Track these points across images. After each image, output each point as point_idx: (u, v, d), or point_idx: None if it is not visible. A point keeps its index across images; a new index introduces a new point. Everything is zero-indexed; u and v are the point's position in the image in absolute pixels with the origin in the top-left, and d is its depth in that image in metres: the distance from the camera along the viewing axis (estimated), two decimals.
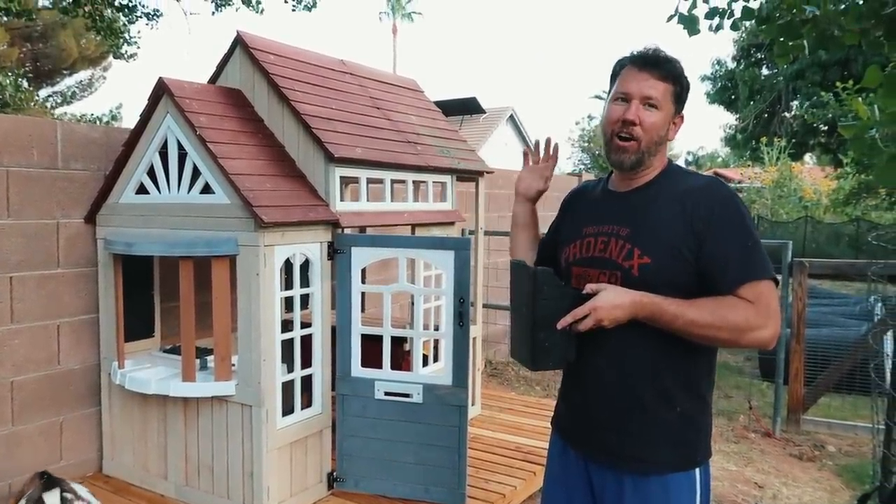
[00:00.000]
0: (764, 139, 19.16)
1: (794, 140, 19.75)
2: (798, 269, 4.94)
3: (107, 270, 3.30)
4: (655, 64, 1.72)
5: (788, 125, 20.84)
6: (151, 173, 3.16)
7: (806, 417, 5.00)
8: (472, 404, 4.35)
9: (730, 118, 23.62)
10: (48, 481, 2.45)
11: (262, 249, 2.80)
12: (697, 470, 1.75)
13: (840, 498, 3.86)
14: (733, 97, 22.14)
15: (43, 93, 17.39)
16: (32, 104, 13.65)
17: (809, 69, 18.58)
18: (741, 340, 1.64)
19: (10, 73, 9.46)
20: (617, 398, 1.75)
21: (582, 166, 32.16)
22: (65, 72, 17.88)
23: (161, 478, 3.22)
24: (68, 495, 2.39)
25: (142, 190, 3.20)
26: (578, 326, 1.64)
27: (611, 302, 1.62)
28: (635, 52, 1.77)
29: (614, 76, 1.80)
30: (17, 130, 3.10)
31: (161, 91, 3.04)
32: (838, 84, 11.91)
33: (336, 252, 3.14)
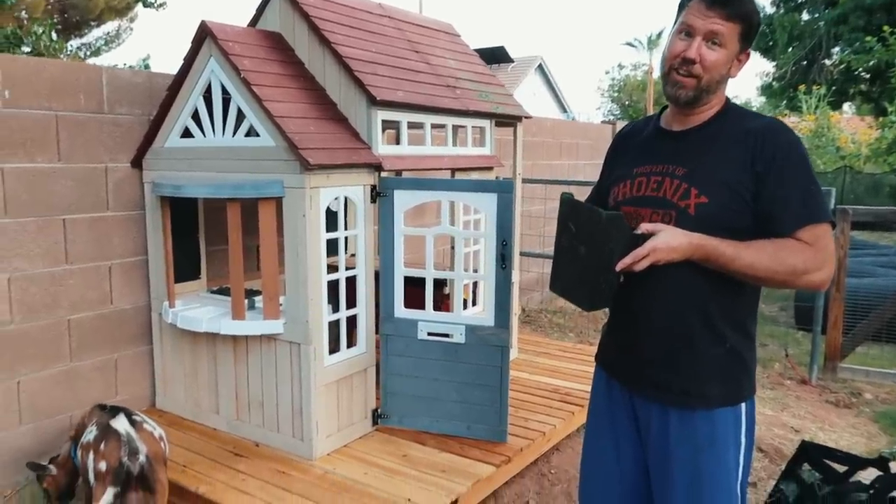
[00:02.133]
0: (802, 87, 18.56)
1: (833, 88, 19.10)
2: (841, 217, 4.86)
3: (154, 213, 3.37)
4: (725, 2, 1.66)
5: (828, 73, 20.13)
6: (196, 117, 3.19)
7: (843, 365, 4.99)
8: (510, 347, 4.41)
9: (767, 66, 22.89)
10: (113, 408, 2.57)
11: (308, 191, 2.83)
12: (743, 405, 1.78)
13: (877, 443, 3.88)
14: (771, 43, 21.38)
15: (71, 44, 17.43)
16: (63, 55, 13.72)
17: (853, 13, 17.82)
18: (796, 282, 1.66)
19: (43, 23, 9.48)
20: (666, 335, 1.77)
21: (611, 116, 31.57)
22: (92, 23, 17.87)
23: (213, 412, 3.35)
24: (137, 418, 2.50)
25: (186, 134, 3.24)
26: (634, 267, 1.65)
27: (668, 244, 1.63)
28: None
29: (682, 6, 1.75)
30: (65, 75, 3.13)
31: (204, 34, 3.04)
32: (885, 28, 11.43)
33: (379, 195, 3.16)
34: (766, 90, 23.96)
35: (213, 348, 3.29)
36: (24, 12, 13.61)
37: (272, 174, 2.91)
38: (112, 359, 3.43)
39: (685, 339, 1.76)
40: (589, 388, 2.09)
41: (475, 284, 3.86)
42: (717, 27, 1.66)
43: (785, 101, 22.06)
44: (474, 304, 3.86)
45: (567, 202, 1.81)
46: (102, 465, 2.31)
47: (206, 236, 3.64)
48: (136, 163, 3.41)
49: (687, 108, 1.78)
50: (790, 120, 19.21)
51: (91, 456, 2.38)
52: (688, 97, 1.73)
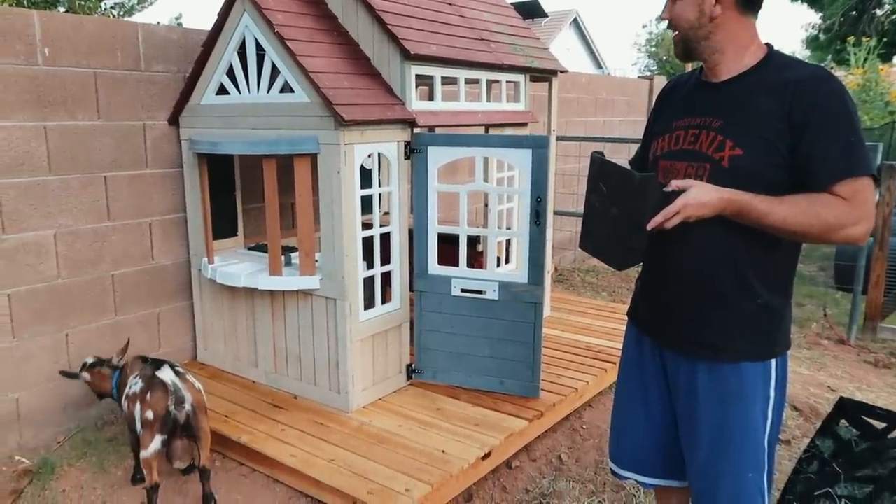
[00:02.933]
0: (851, 39, 17.78)
1: (884, 40, 18.25)
2: (887, 173, 4.70)
3: (192, 171, 3.42)
4: None
5: (879, 23, 19.23)
6: (231, 74, 3.20)
7: (884, 325, 4.89)
8: None
9: (813, 17, 21.98)
10: (154, 361, 2.66)
11: (343, 147, 2.83)
12: (774, 361, 1.76)
13: None
14: None
15: (105, 4, 17.49)
16: (97, 14, 13.81)
17: None
18: (832, 237, 1.61)
19: None
20: (698, 291, 1.76)
21: (648, 72, 30.78)
22: None
23: (252, 365, 3.44)
24: (179, 369, 2.58)
25: (222, 91, 3.26)
26: (666, 225, 1.63)
27: (699, 200, 1.61)
28: None
29: None
30: (102, 32, 3.16)
31: None
32: None
33: (413, 151, 3.15)
34: (811, 43, 23.02)
35: (251, 303, 3.36)
36: None
37: (307, 130, 2.91)
38: (154, 313, 3.54)
39: (717, 295, 1.74)
40: (621, 346, 2.10)
41: (508, 242, 3.86)
42: None
43: (832, 55, 21.20)
44: (507, 261, 3.86)
45: (598, 162, 1.78)
46: (149, 414, 2.40)
47: (243, 194, 3.69)
48: (174, 120, 3.45)
49: (696, 62, 1.81)
50: (837, 74, 18.45)
51: (138, 406, 2.47)
52: (679, 53, 1.81)
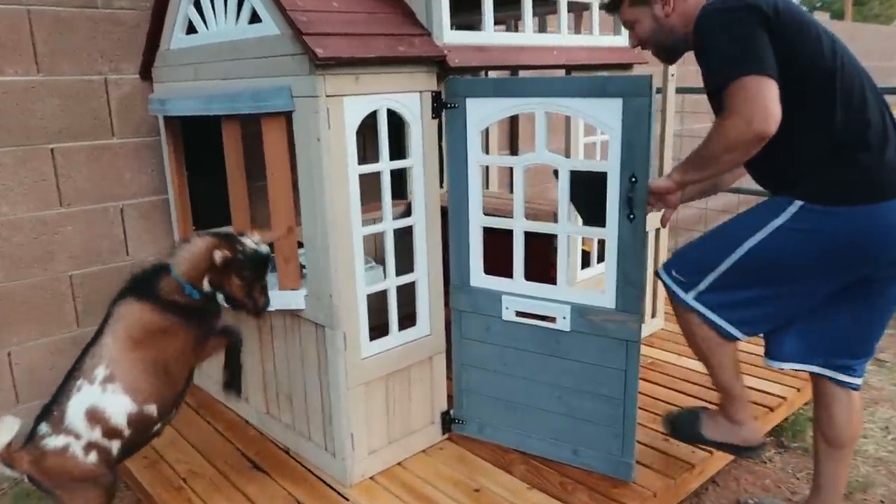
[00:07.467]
0: None
1: None
2: None
3: (168, 140, 2.58)
4: (610, 7, 1.97)
5: None
6: (198, 4, 2.29)
7: None
8: (653, 316, 3.27)
9: None
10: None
11: (323, 101, 1.84)
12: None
13: None
14: None
15: None
16: None
17: None
18: (732, 147, 1.60)
19: None
20: None
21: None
22: None
23: (242, 399, 2.59)
24: (42, 430, 1.72)
25: (192, 29, 2.37)
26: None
27: (655, 181, 1.90)
28: None
29: None
30: None
31: None
32: None
33: (445, 106, 2.11)
34: None
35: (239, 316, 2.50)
36: None
37: (279, 77, 1.95)
38: None
39: None
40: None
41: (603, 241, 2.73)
42: (622, 19, 1.95)
43: None
44: (601, 260, 2.76)
45: None
46: None
47: (247, 169, 2.82)
48: (146, 73, 2.61)
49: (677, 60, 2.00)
50: None
51: None
52: (665, 59, 1.99)
